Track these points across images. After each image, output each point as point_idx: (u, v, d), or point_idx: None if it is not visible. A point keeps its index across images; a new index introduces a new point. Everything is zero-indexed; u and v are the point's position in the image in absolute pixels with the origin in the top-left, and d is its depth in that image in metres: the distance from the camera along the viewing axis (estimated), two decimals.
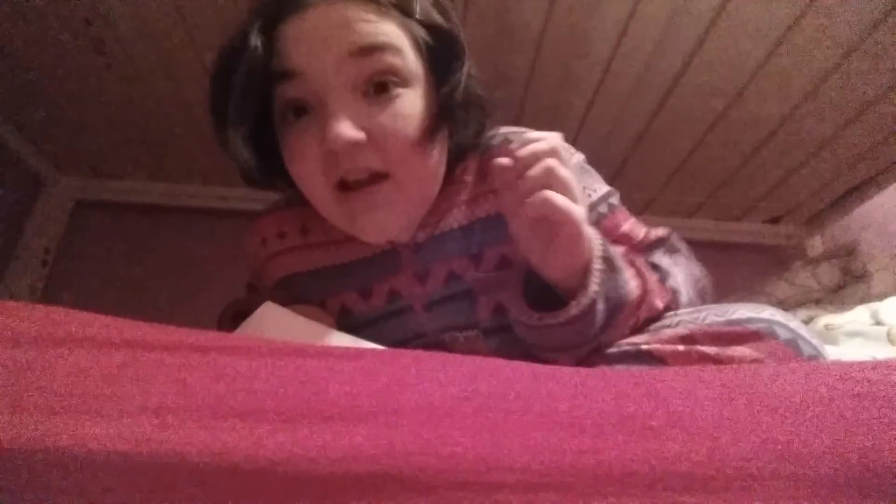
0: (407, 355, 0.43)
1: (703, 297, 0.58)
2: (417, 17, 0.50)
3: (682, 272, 0.57)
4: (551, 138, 0.46)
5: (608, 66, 1.04)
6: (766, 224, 1.50)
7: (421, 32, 0.50)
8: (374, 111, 0.48)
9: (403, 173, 0.50)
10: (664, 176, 1.33)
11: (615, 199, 0.62)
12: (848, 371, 0.40)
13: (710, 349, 0.46)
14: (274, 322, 0.55)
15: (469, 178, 0.58)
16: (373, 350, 0.44)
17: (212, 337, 0.43)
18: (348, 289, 0.60)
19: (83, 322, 0.43)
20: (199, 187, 1.45)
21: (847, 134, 1.15)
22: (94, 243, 1.43)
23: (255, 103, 0.49)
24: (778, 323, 0.47)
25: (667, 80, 1.06)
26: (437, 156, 0.53)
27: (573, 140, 1.22)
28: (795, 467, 0.33)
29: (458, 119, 0.53)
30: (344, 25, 0.47)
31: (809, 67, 1.00)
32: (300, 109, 0.49)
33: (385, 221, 0.51)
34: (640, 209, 1.45)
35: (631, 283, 0.50)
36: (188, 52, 1.04)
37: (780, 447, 0.34)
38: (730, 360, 0.45)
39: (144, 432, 0.34)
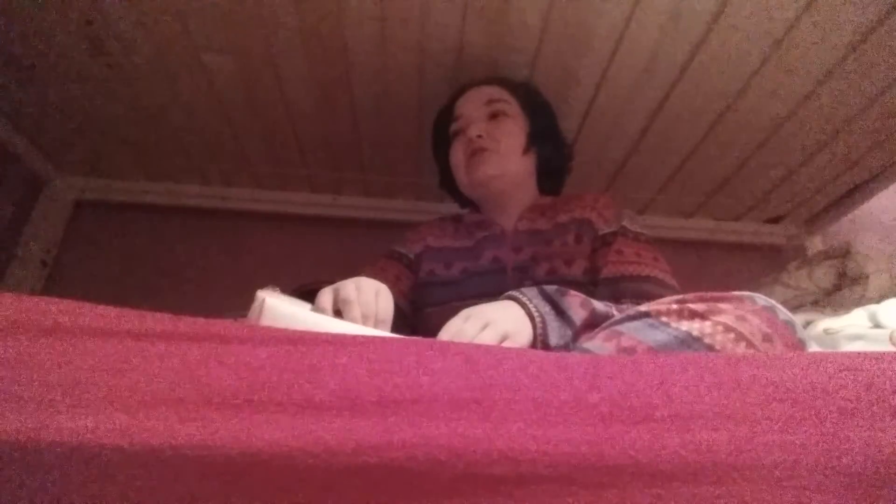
0: (405, 343, 0.43)
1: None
2: (521, 90, 1.01)
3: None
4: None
5: (608, 66, 1.04)
6: (766, 224, 1.50)
7: (524, 96, 1.01)
8: (491, 125, 0.97)
9: (499, 146, 0.95)
10: (664, 176, 1.33)
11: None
12: (848, 361, 0.40)
13: (698, 306, 0.55)
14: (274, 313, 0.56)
15: (547, 202, 1.01)
16: (371, 338, 0.44)
17: (210, 325, 0.43)
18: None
19: (83, 312, 0.43)
20: (199, 187, 1.45)
21: (847, 134, 1.15)
22: (94, 243, 1.43)
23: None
24: (757, 295, 0.55)
25: (667, 80, 1.06)
26: (524, 159, 0.97)
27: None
28: (795, 457, 0.33)
29: (545, 147, 1.00)
30: (482, 93, 1.00)
31: (809, 67, 1.01)
32: (455, 133, 1.01)
33: (486, 168, 0.94)
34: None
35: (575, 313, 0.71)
36: (188, 52, 1.04)
37: (779, 438, 0.34)
38: (715, 313, 0.53)
39: (139, 426, 0.34)
